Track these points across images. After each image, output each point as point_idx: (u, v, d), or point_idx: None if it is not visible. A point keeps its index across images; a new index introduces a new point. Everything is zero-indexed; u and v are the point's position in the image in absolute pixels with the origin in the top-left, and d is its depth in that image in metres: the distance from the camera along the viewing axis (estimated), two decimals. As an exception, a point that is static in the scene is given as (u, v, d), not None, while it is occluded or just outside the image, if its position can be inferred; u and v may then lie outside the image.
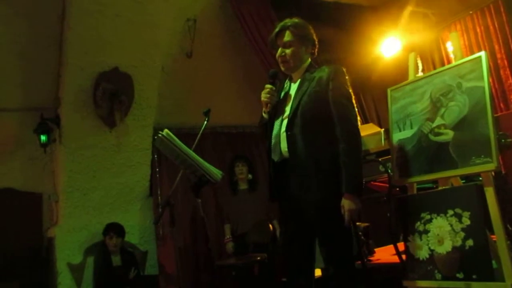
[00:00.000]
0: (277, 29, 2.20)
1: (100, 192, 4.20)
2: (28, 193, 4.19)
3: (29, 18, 3.78)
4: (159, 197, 4.45)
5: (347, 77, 2.13)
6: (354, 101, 2.10)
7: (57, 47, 3.91)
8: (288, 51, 2.15)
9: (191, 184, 2.27)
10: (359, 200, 1.94)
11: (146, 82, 4.16)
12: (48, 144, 4.08)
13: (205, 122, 2.52)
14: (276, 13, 4.34)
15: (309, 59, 2.22)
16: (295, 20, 2.21)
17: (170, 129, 2.28)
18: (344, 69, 2.14)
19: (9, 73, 3.97)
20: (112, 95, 3.92)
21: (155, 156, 4.50)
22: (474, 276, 1.88)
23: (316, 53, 2.25)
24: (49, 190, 4.25)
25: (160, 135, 2.20)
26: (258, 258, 3.53)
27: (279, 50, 2.18)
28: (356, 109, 2.10)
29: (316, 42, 2.24)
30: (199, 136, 2.46)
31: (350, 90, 2.11)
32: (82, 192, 4.13)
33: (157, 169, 4.52)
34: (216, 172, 2.23)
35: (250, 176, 4.21)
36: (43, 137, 4.03)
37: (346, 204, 1.92)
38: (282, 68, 2.22)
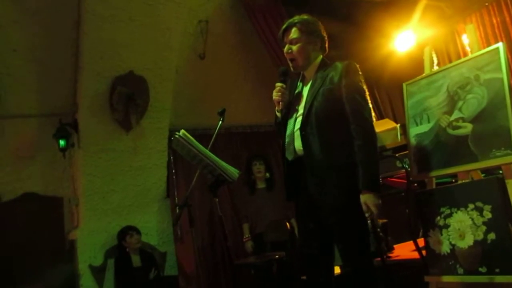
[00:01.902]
0: (284, 26, 2.17)
1: (118, 194, 4.27)
2: (49, 197, 4.28)
3: (45, 25, 3.85)
4: (176, 198, 4.49)
5: (360, 73, 2.10)
6: (367, 97, 2.07)
7: (73, 53, 3.99)
8: (294, 47, 2.12)
9: (209, 184, 2.28)
10: (379, 196, 1.92)
11: (160, 85, 4.20)
12: (67, 148, 4.15)
13: (220, 122, 2.53)
14: (286, 9, 4.33)
15: (321, 56, 2.18)
16: (304, 16, 2.18)
17: (185, 130, 2.30)
18: (358, 65, 2.11)
19: (27, 80, 4.06)
20: (128, 99, 3.98)
21: (171, 157, 4.55)
22: (497, 270, 1.86)
23: (327, 50, 2.22)
24: (69, 194, 4.33)
25: (177, 135, 2.22)
26: (277, 256, 3.53)
27: (286, 46, 2.15)
28: (370, 105, 2.08)
29: (326, 38, 2.20)
30: (214, 136, 2.47)
31: (364, 86, 2.08)
32: (101, 195, 4.20)
33: (173, 171, 4.56)
34: (233, 171, 2.24)
35: (267, 174, 4.21)
36: (62, 142, 4.10)
37: (370, 200, 1.89)
38: (292, 68, 2.20)
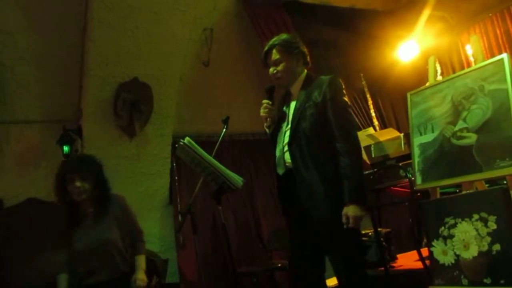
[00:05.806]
0: (265, 49, 2.25)
1: (121, 201, 4.26)
2: (52, 203, 4.27)
3: (51, 31, 3.88)
4: (179, 205, 4.49)
5: (343, 86, 2.16)
6: (351, 110, 2.16)
7: (78, 59, 4.01)
8: (279, 68, 2.20)
9: (213, 192, 2.29)
10: (363, 209, 1.94)
11: (164, 92, 4.22)
12: (71, 154, 4.16)
13: (224, 130, 2.54)
14: (291, 19, 4.37)
15: (305, 71, 2.25)
16: (282, 36, 2.26)
17: (189, 137, 2.31)
18: (341, 80, 2.18)
19: (32, 86, 4.08)
20: (132, 105, 3.99)
21: (174, 164, 4.55)
22: (502, 281, 1.84)
23: (310, 63, 2.28)
24: (72, 200, 4.32)
25: (181, 143, 2.23)
26: (279, 265, 3.51)
27: (271, 68, 2.23)
28: (355, 117, 2.13)
29: (307, 52, 2.27)
30: (218, 143, 2.48)
31: (347, 99, 2.16)
32: (104, 201, 4.19)
33: (176, 177, 4.56)
34: (237, 179, 2.25)
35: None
36: (65, 148, 4.09)
37: (351, 210, 1.92)
38: (278, 85, 2.26)
